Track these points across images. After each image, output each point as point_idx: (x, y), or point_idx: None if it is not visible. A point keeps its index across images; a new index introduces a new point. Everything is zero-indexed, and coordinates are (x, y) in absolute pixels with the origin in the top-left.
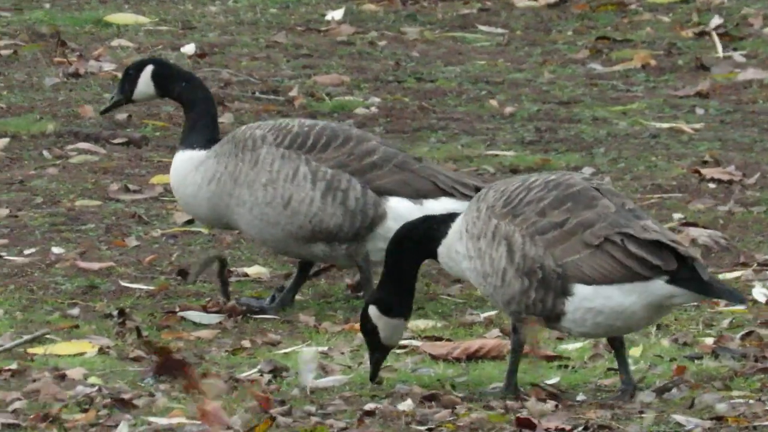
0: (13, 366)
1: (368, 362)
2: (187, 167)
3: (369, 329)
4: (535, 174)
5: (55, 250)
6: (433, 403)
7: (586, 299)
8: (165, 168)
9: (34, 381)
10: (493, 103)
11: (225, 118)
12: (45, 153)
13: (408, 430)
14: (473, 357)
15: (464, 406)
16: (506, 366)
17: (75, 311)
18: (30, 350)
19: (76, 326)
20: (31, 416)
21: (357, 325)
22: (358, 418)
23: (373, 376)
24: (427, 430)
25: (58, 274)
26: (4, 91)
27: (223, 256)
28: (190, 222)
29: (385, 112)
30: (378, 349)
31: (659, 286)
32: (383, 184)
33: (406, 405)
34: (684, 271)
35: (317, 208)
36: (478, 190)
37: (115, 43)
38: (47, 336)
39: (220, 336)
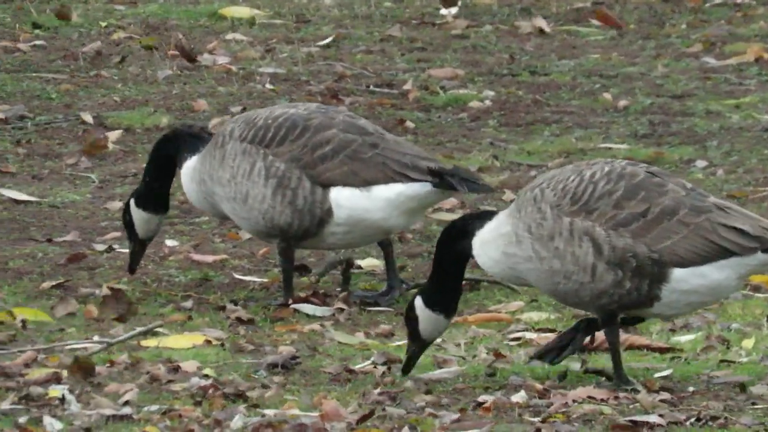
0: (127, 358)
1: (481, 354)
2: (186, 180)
3: (411, 318)
4: (581, 166)
5: (169, 242)
6: (546, 394)
7: (682, 281)
8: None
9: (148, 373)
10: (607, 96)
11: None
12: None
13: (521, 421)
14: (587, 349)
15: (577, 398)
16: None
17: (188, 304)
18: (143, 342)
19: (190, 318)
20: (145, 408)
21: (471, 318)
22: (471, 409)
23: (406, 368)
24: (540, 421)
25: (171, 266)
26: (118, 84)
27: (351, 257)
28: None
29: (499, 105)
30: (416, 341)
31: (755, 258)
32: (331, 176)
33: (520, 396)
34: None
35: (268, 205)
36: (431, 172)
37: (229, 36)
38: (160, 328)
39: (333, 328)
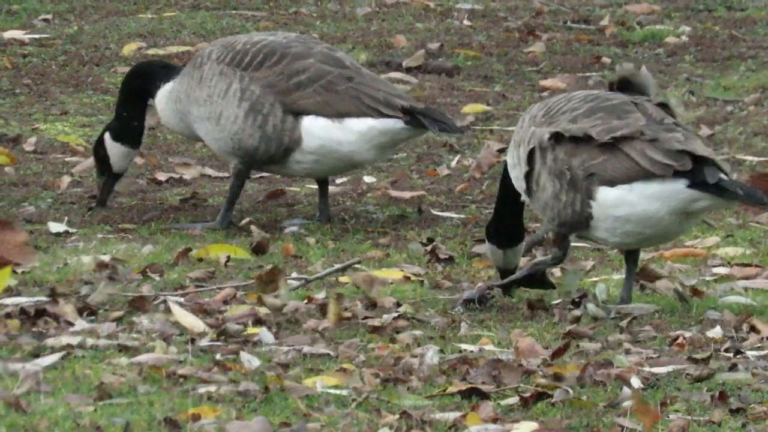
0: (325, 295)
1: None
2: (163, 102)
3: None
4: (585, 91)
5: (367, 179)
6: (742, 329)
7: (613, 206)
8: (477, 97)
9: (345, 309)
10: None
11: (536, 47)
12: None
13: (717, 356)
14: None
15: None
16: None
17: (386, 240)
18: (341, 279)
19: (387, 255)
20: (341, 344)
21: (667, 253)
22: (667, 344)
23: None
24: (735, 356)
25: (369, 203)
26: (317, 21)
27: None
28: (501, 151)
29: (695, 41)
30: (497, 270)
31: (680, 190)
32: (304, 104)
33: (715, 332)
34: (705, 176)
35: (239, 127)
36: (404, 110)
37: None
38: (358, 265)
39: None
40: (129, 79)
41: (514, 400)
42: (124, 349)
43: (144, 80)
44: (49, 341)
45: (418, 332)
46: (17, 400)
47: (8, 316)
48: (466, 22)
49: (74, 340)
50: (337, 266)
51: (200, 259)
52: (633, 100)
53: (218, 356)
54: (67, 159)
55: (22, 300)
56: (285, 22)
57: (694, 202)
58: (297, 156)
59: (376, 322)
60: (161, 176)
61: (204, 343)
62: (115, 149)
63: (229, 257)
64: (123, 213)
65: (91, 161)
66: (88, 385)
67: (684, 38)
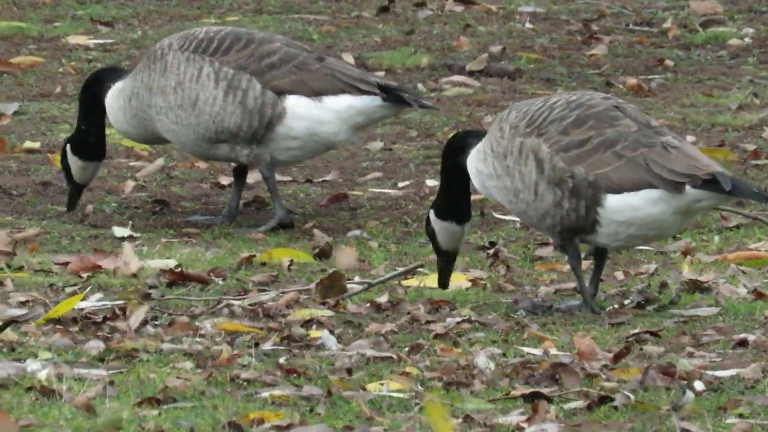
0: (387, 298)
1: (741, 292)
2: (112, 102)
3: (429, 233)
4: (557, 95)
5: (429, 182)
6: None
7: (618, 212)
8: None
9: (408, 313)
10: None
11: (598, 50)
12: (420, 86)
13: None
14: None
15: None
16: None
17: None
18: (404, 282)
19: None
20: (404, 348)
21: (731, 256)
22: (731, 347)
23: (440, 283)
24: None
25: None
26: (379, 24)
27: None
28: None
29: (759, 42)
30: (440, 254)
31: (686, 192)
32: (281, 84)
33: None
34: (722, 184)
35: (219, 107)
36: (380, 86)
37: None
38: (421, 268)
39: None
40: (82, 90)
41: (577, 404)
42: (188, 353)
43: (96, 88)
44: (114, 345)
45: (481, 335)
46: (84, 404)
47: (74, 320)
48: (528, 25)
49: (139, 344)
50: (400, 270)
51: (263, 263)
52: (613, 103)
53: (282, 360)
54: (132, 163)
55: (87, 304)
56: (347, 26)
57: (699, 201)
58: (281, 142)
59: (439, 326)
60: (224, 180)
61: (268, 347)
62: (75, 162)
63: (292, 261)
64: (186, 217)
65: (155, 165)
66: (153, 389)
67: (747, 40)
